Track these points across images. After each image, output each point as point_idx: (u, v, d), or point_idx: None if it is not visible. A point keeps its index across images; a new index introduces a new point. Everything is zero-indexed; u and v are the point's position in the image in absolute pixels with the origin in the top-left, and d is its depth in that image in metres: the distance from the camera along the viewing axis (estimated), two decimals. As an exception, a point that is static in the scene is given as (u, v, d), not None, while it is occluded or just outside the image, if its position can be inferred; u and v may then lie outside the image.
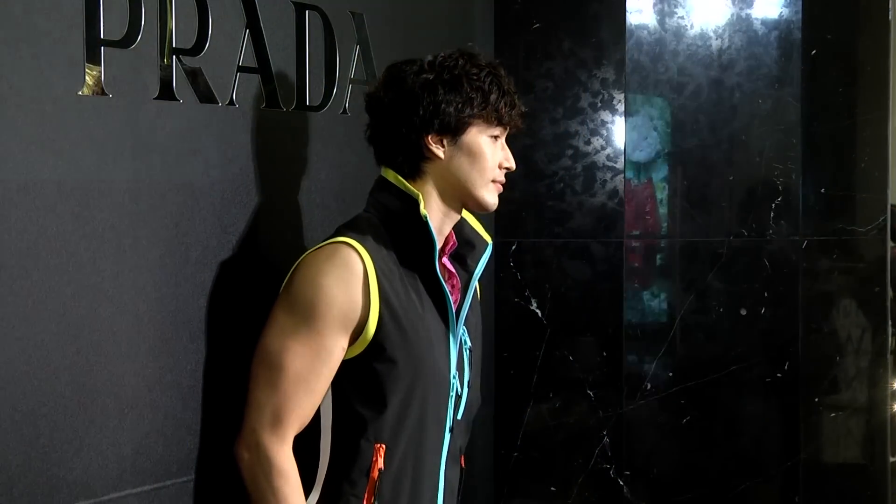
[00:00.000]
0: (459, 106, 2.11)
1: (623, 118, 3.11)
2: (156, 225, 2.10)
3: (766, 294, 3.09)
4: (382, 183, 2.19)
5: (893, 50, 3.33)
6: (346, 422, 2.11)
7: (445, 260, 2.23)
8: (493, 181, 2.17)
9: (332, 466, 2.12)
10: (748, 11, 3.09)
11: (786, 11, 3.08)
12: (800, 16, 3.07)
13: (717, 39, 3.09)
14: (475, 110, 2.12)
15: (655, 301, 3.15)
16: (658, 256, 3.15)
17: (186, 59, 2.15)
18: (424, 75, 2.12)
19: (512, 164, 2.19)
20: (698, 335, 3.13)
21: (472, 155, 2.14)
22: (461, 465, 2.30)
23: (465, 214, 2.26)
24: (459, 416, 2.23)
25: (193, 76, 2.17)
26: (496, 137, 2.17)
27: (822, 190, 3.13)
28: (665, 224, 3.14)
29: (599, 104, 3.12)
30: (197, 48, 2.18)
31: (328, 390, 2.11)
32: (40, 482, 1.91)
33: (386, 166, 2.19)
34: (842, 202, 3.19)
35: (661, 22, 3.09)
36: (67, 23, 1.93)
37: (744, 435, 3.13)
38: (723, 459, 3.12)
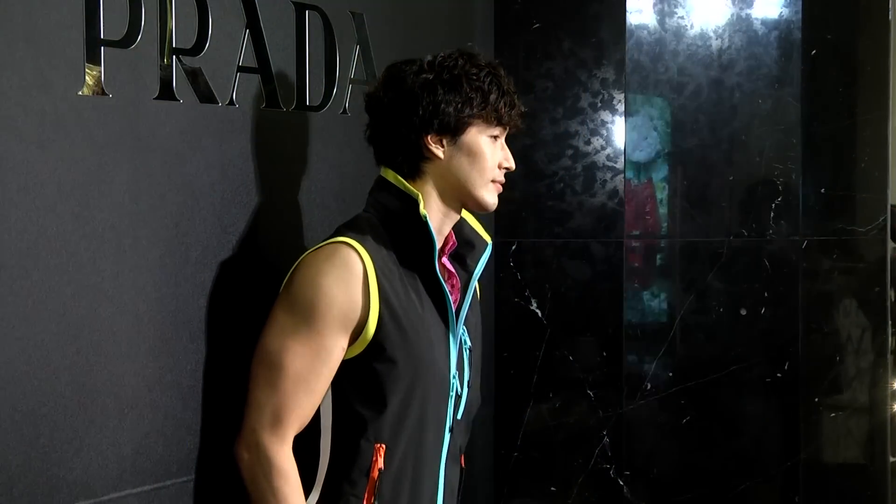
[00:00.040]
0: (459, 106, 2.11)
1: (623, 118, 3.11)
2: (156, 225, 2.10)
3: (766, 294, 3.09)
4: (382, 183, 2.19)
5: (893, 50, 3.33)
6: (346, 422, 2.11)
7: (445, 260, 2.23)
8: (493, 181, 2.17)
9: (332, 466, 2.12)
10: (748, 11, 3.09)
11: (786, 11, 3.08)
12: (800, 16, 3.07)
13: (717, 39, 3.09)
14: (475, 110, 2.12)
15: (655, 301, 3.15)
16: (658, 256, 3.15)
17: (186, 59, 2.15)
18: (424, 75, 2.12)
19: (512, 164, 2.19)
20: (698, 335, 3.13)
21: (472, 155, 2.14)
22: (461, 464, 2.30)
23: (465, 214, 2.26)
24: (459, 416, 2.23)
25: (193, 76, 2.17)
26: (496, 137, 2.17)
27: (822, 190, 3.14)
28: (665, 224, 3.14)
29: (599, 104, 3.12)
30: (197, 48, 2.18)
31: (328, 390, 2.11)
32: (40, 482, 1.91)
33: (385, 166, 2.19)
34: (842, 202, 3.19)
35: (661, 22, 3.09)
36: (67, 23, 1.93)
37: (744, 435, 3.13)
38: (723, 459, 3.12)
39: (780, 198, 3.08)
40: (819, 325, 3.14)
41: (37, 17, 1.88)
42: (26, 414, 1.89)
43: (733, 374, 3.10)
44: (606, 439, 3.11)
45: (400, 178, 2.16)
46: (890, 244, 3.29)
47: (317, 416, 2.12)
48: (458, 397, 2.22)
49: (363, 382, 2.10)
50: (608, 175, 3.12)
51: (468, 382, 2.25)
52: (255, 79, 2.31)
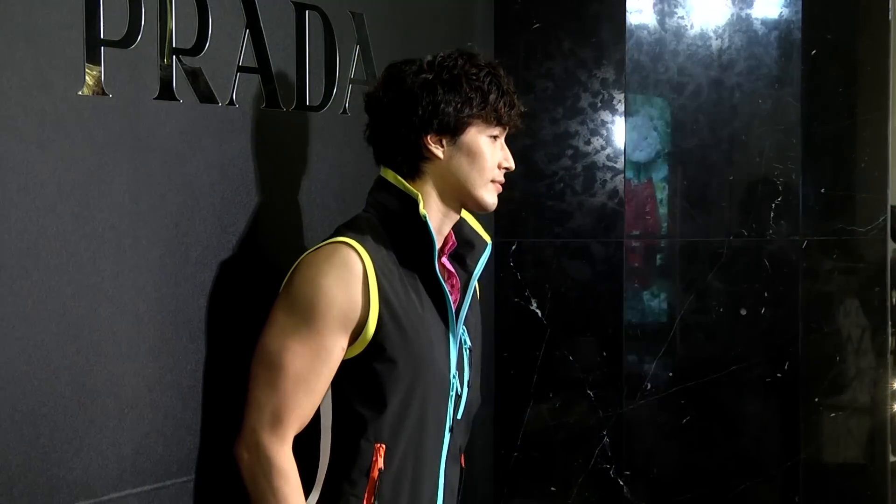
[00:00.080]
0: (458, 106, 2.11)
1: (623, 118, 3.11)
2: (156, 225, 2.10)
3: (766, 294, 3.09)
4: (382, 183, 2.19)
5: (893, 50, 3.33)
6: (346, 422, 2.11)
7: (445, 260, 2.23)
8: (493, 181, 2.17)
9: (332, 466, 2.12)
10: (748, 11, 3.09)
11: (786, 11, 3.08)
12: (800, 16, 3.07)
13: (717, 39, 3.09)
14: (474, 110, 2.13)
15: (655, 301, 3.15)
16: (658, 256, 3.15)
17: (186, 59, 2.16)
18: (423, 75, 2.12)
19: (511, 164, 2.19)
20: (698, 335, 3.13)
21: (472, 155, 2.14)
22: (461, 464, 2.30)
23: (465, 214, 2.26)
24: (459, 416, 2.23)
25: (193, 76, 2.17)
26: (495, 137, 2.17)
27: (822, 190, 3.14)
28: (665, 224, 3.14)
29: (599, 104, 3.12)
30: (197, 48, 2.18)
31: (328, 390, 2.11)
32: (40, 482, 1.91)
33: (385, 166, 2.19)
34: (842, 202, 3.19)
35: (661, 22, 3.09)
36: (67, 23, 1.93)
37: (744, 435, 3.13)
38: (723, 459, 3.12)
39: (780, 198, 3.08)
40: (819, 325, 3.14)
41: (37, 17, 1.88)
42: (26, 414, 1.89)
43: (733, 374, 3.10)
44: (606, 439, 3.11)
45: (399, 178, 2.16)
46: (890, 244, 3.29)
47: (317, 416, 2.12)
48: (458, 397, 2.22)
49: (363, 382, 2.10)
50: (608, 175, 3.12)
51: (468, 382, 2.25)
52: (255, 79, 2.31)
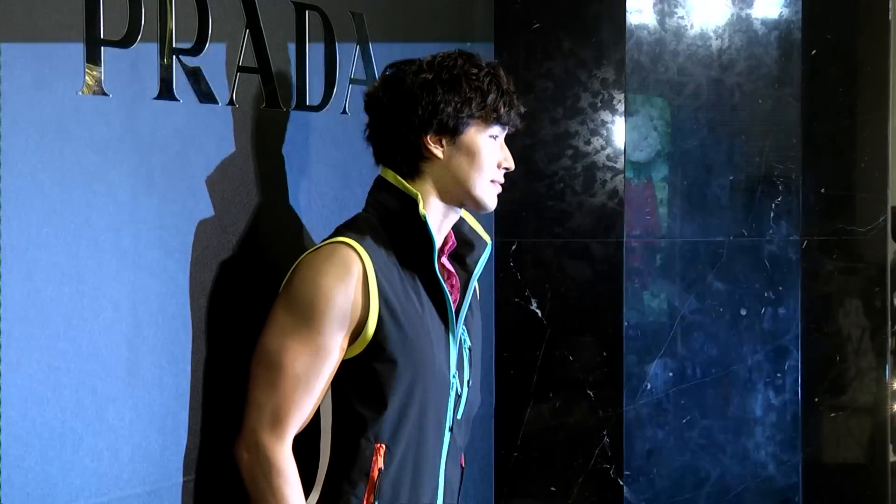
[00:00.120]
0: (458, 106, 2.12)
1: (623, 118, 3.10)
2: (156, 225, 2.10)
3: (766, 294, 3.09)
4: (381, 183, 2.19)
5: (893, 50, 3.33)
6: (346, 422, 2.11)
7: (444, 260, 2.23)
8: (492, 181, 2.17)
9: (332, 466, 2.12)
10: (748, 11, 3.09)
11: (786, 11, 3.08)
12: (800, 16, 3.07)
13: (717, 39, 3.09)
14: (474, 110, 2.13)
15: (655, 301, 3.15)
16: (658, 256, 3.15)
17: (186, 59, 2.16)
18: (423, 75, 2.12)
19: (511, 164, 2.19)
20: (698, 335, 3.13)
21: (471, 155, 2.14)
22: (461, 464, 2.30)
23: (465, 214, 2.26)
24: (459, 416, 2.23)
25: (193, 76, 2.17)
26: (495, 137, 2.17)
27: (822, 190, 3.13)
28: (665, 224, 3.14)
29: (599, 104, 3.12)
30: (197, 48, 2.18)
31: (328, 390, 2.11)
32: (40, 482, 1.91)
33: (385, 166, 2.19)
34: (842, 202, 3.19)
35: (661, 22, 3.09)
36: (67, 23, 1.93)
37: (743, 435, 3.13)
38: (723, 459, 3.12)
39: (780, 198, 3.08)
40: (819, 325, 3.14)
41: (37, 17, 1.88)
42: (26, 414, 1.89)
43: (733, 374, 3.10)
44: (606, 439, 3.11)
45: (399, 177, 2.16)
46: (891, 244, 3.29)
47: (317, 416, 2.12)
48: (458, 397, 2.22)
49: (363, 382, 2.10)
50: (608, 175, 3.12)
51: (468, 382, 2.25)
52: (255, 79, 2.31)
